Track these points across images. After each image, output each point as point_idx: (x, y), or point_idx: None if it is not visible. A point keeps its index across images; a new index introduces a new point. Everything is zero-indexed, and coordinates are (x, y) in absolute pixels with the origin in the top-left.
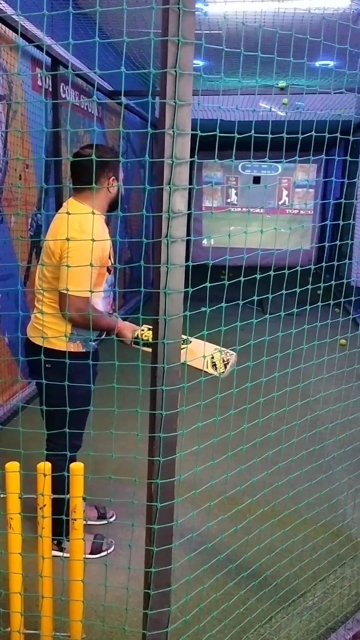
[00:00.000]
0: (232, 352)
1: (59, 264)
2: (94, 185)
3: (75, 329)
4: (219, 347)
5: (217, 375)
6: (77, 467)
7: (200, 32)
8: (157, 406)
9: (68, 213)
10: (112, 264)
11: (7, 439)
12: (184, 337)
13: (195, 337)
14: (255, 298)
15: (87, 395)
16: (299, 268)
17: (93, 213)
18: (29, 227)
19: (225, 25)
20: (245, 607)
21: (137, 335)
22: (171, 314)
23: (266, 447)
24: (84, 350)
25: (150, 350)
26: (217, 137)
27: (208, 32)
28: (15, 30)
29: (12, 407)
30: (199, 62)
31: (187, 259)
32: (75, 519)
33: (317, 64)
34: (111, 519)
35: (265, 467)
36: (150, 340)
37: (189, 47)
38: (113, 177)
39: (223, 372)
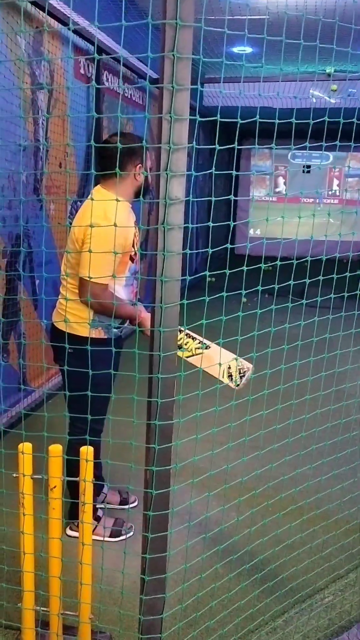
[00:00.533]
0: (249, 364)
1: (81, 250)
2: (117, 170)
3: (97, 316)
4: (236, 357)
5: (233, 386)
6: (86, 451)
7: (244, 17)
8: (152, 394)
9: (92, 199)
10: (135, 252)
11: (38, 424)
12: (203, 340)
13: (216, 343)
14: (291, 286)
15: (108, 382)
16: (336, 256)
17: (117, 200)
18: (69, 214)
19: (267, 10)
20: (259, 602)
21: None
22: (168, 302)
23: (297, 446)
24: (105, 337)
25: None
26: (257, 124)
27: (256, 17)
28: (57, 19)
29: (44, 393)
30: (247, 49)
31: (231, 250)
32: (84, 503)
33: None
34: (133, 504)
35: (297, 463)
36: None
37: (188, 30)
38: (140, 165)
39: (239, 384)
